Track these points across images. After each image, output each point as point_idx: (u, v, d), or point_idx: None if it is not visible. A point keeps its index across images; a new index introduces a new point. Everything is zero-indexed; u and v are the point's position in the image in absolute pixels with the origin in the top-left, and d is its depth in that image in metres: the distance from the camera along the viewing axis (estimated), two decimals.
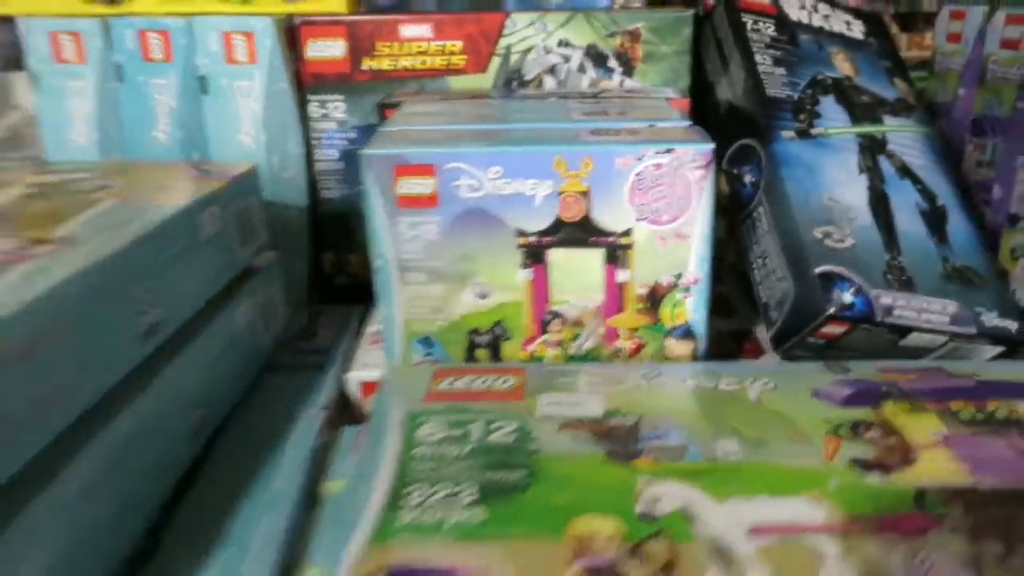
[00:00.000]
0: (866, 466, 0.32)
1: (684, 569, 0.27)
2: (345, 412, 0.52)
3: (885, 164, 0.53)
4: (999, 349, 0.49)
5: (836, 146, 0.52)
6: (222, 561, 0.36)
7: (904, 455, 0.32)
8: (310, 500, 0.42)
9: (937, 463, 0.32)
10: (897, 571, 0.26)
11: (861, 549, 0.27)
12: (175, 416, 0.40)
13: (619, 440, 0.34)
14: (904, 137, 0.55)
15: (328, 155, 0.62)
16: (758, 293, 0.51)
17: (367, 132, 0.61)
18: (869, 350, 0.48)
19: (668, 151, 0.39)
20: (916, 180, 0.53)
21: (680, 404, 0.37)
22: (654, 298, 0.42)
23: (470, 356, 0.43)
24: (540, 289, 0.42)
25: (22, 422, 0.30)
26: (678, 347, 0.43)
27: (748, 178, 0.53)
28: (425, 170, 0.40)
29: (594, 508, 0.30)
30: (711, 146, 0.39)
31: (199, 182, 0.47)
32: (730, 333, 0.55)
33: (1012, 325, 0.48)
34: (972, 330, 0.47)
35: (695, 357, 0.43)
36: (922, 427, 0.34)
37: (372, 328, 0.58)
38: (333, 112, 0.60)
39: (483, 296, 0.42)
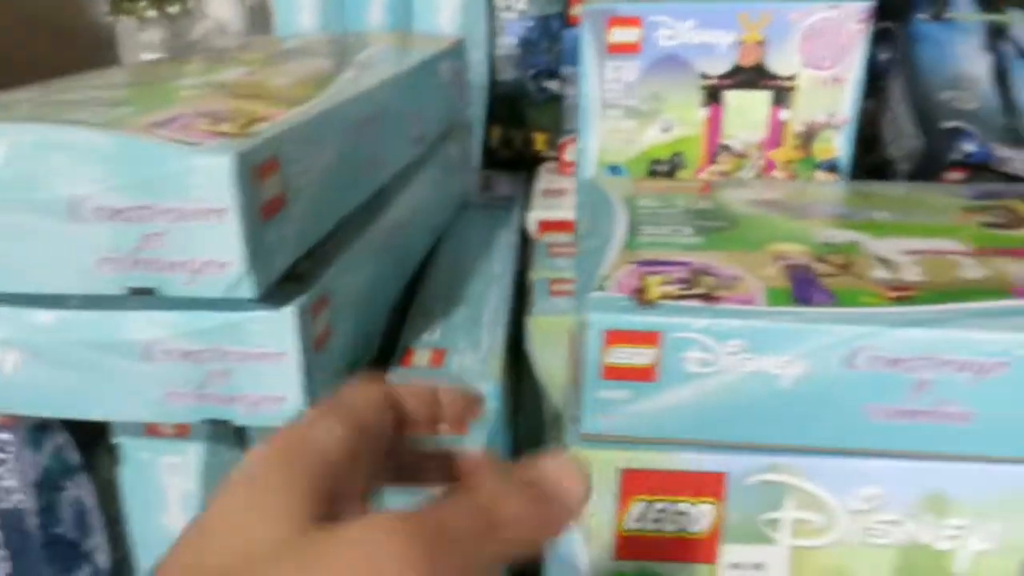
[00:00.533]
0: (992, 226, 0.41)
1: (858, 267, 0.36)
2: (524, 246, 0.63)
3: (1006, 47, 0.61)
4: None
5: (964, 28, 0.60)
6: (463, 320, 0.47)
7: (1021, 221, 0.41)
8: (523, 288, 0.53)
9: None
10: (1017, 270, 0.35)
11: (990, 262, 0.36)
12: (426, 203, 0.52)
13: (797, 210, 0.44)
14: None
15: (508, 42, 0.72)
16: (888, 153, 0.59)
17: (544, 22, 0.72)
18: None
19: (835, 7, 0.48)
20: None
21: (840, 195, 0.48)
22: (809, 135, 0.51)
23: None
24: (715, 125, 0.52)
25: (356, 174, 0.41)
26: (825, 179, 0.52)
27: (883, 56, 0.61)
28: (633, 21, 0.50)
29: (788, 239, 0.39)
30: (870, 1, 0.48)
31: (431, 43, 0.58)
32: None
33: None
34: None
35: None
36: None
37: (543, 185, 0.69)
38: (516, 4, 0.70)
39: (666, 130, 0.52)
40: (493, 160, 0.77)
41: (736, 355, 0.32)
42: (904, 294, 0.33)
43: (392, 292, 0.47)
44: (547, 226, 0.63)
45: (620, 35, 0.50)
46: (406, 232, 0.48)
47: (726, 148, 0.52)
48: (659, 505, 0.35)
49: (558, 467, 0.22)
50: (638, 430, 0.34)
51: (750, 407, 0.33)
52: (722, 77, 0.50)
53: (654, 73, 0.51)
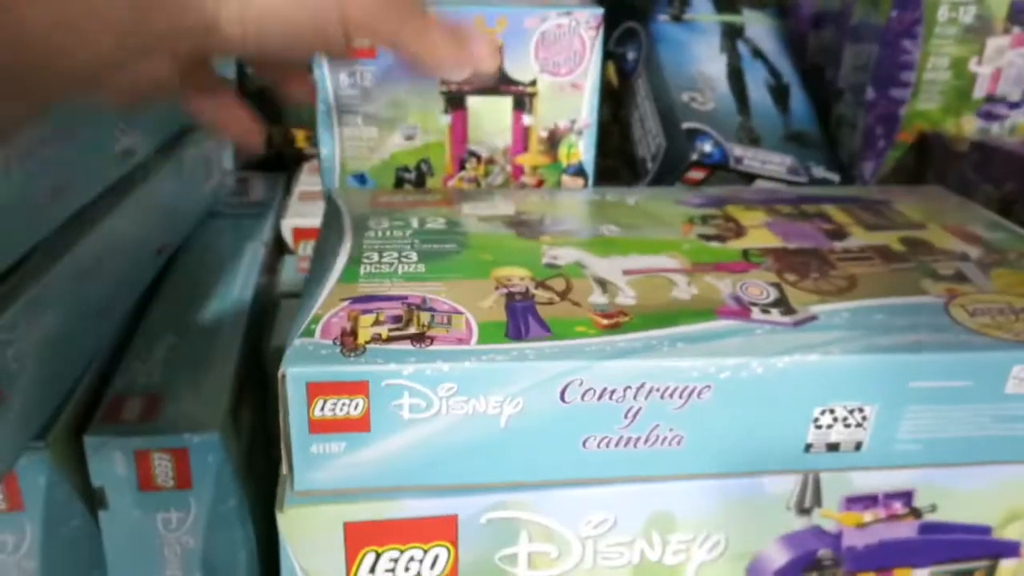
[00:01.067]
0: (709, 238, 0.42)
1: (576, 293, 0.36)
2: (279, 255, 0.59)
3: (742, 47, 0.63)
4: None
5: (703, 29, 0.62)
6: (188, 355, 0.43)
7: (738, 231, 0.43)
8: (268, 308, 0.49)
9: (761, 235, 0.43)
10: (724, 288, 0.37)
11: (699, 279, 0.38)
12: (144, 228, 0.47)
13: (527, 227, 0.43)
14: (758, 26, 0.65)
15: None
16: (636, 152, 0.60)
17: None
18: None
19: (568, 13, 0.48)
20: (766, 61, 0.64)
21: (574, 208, 0.47)
22: (553, 140, 0.51)
23: (398, 189, 0.51)
24: (459, 132, 0.50)
25: (34, 205, 0.36)
26: (571, 182, 0.52)
27: (631, 55, 0.62)
28: None
29: (512, 263, 0.38)
30: (601, 10, 0.48)
31: None
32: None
33: (835, 176, 0.60)
34: (804, 179, 0.59)
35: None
36: (753, 217, 0.46)
37: (300, 188, 0.65)
38: None
39: (410, 138, 0.50)
40: (251, 161, 0.72)
41: (450, 398, 0.31)
42: (615, 322, 0.33)
43: (101, 330, 0.42)
44: (304, 234, 0.59)
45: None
46: (116, 261, 0.43)
47: (473, 154, 0.51)
48: (390, 554, 0.33)
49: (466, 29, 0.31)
50: (359, 481, 0.32)
51: (471, 448, 0.32)
52: (463, 83, 0.49)
53: (392, 78, 0.48)
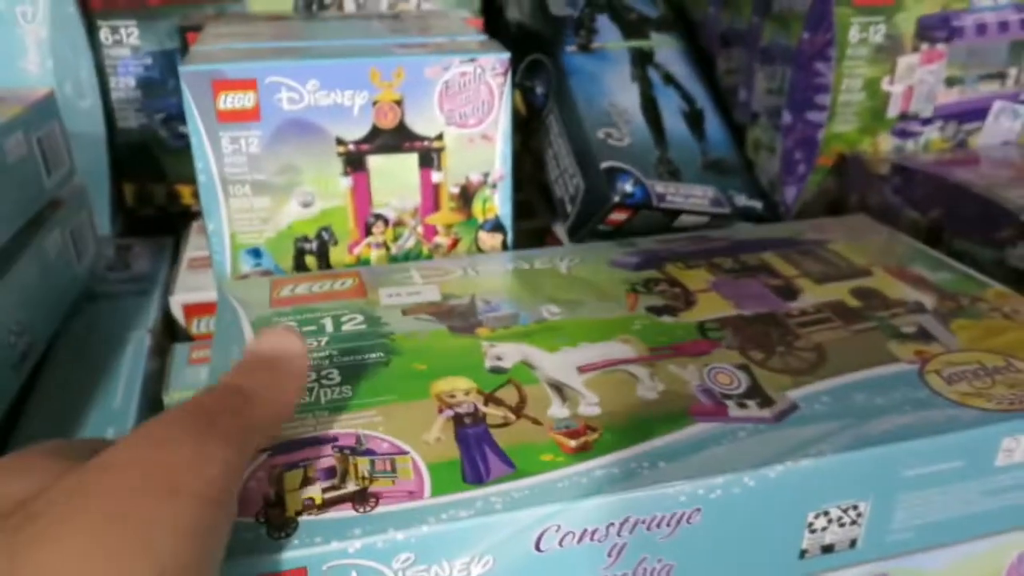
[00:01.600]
0: (659, 311, 0.39)
1: (532, 406, 0.32)
2: (170, 335, 0.53)
3: (653, 73, 0.61)
4: (750, 225, 0.59)
5: (613, 58, 0.59)
6: None
7: (687, 300, 0.40)
8: (149, 407, 0.44)
9: (712, 302, 0.40)
10: (691, 378, 0.34)
11: (662, 369, 0.34)
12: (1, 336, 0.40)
13: (459, 316, 0.38)
14: (667, 50, 0.63)
15: (124, 83, 0.60)
16: (553, 191, 0.57)
17: (165, 58, 0.61)
18: (648, 232, 0.56)
19: (472, 60, 0.44)
20: (678, 87, 0.61)
21: (504, 283, 0.42)
22: (466, 196, 0.47)
23: (299, 263, 0.46)
24: (362, 194, 0.45)
25: None
26: (489, 239, 0.48)
27: (540, 89, 0.58)
28: (246, 84, 0.42)
29: (450, 372, 0.34)
30: (507, 55, 0.44)
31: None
32: (532, 231, 0.62)
33: (758, 204, 0.58)
34: (727, 210, 0.56)
35: (505, 247, 0.48)
36: (697, 278, 0.43)
37: (190, 253, 0.59)
38: (127, 38, 0.59)
39: (307, 205, 0.45)
40: (136, 223, 0.65)
41: (408, 569, 0.26)
42: (584, 442, 0.30)
43: None
44: (197, 311, 0.54)
45: (232, 101, 0.42)
46: None
47: (379, 217, 0.46)
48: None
49: (274, 337, 0.27)
50: None
51: None
52: (360, 142, 0.44)
53: (281, 142, 0.43)
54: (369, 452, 0.29)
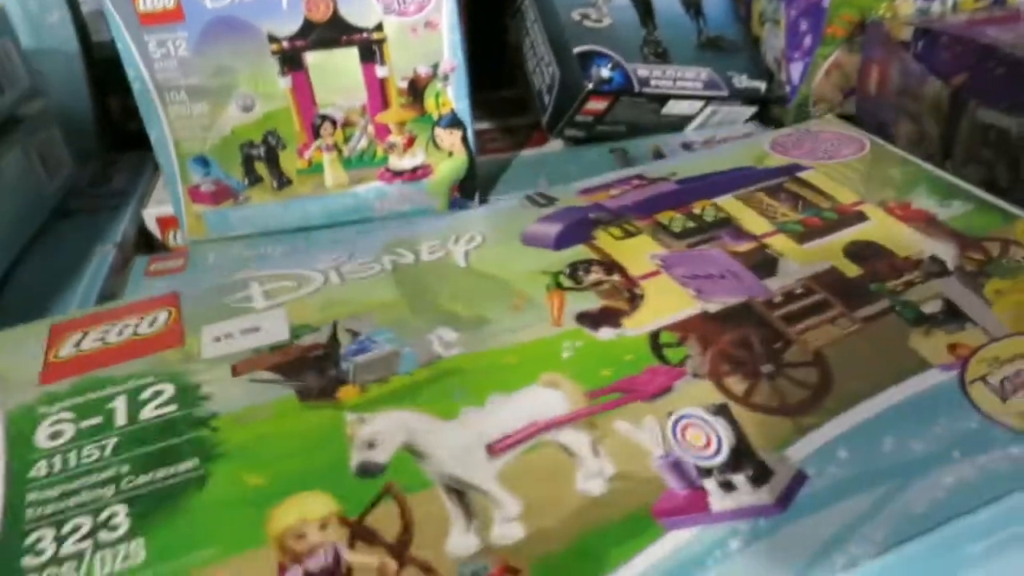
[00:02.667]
0: (595, 321, 0.29)
1: (423, 534, 0.22)
2: (148, 249, 0.52)
3: None
4: (753, 110, 0.54)
5: None
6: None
7: (630, 293, 0.31)
8: None
9: (663, 292, 0.30)
10: (649, 443, 0.24)
11: (608, 431, 0.24)
12: None
13: (314, 368, 0.28)
14: None
15: None
16: (532, 83, 0.53)
17: None
18: (636, 122, 0.52)
19: None
20: None
21: (381, 292, 0.31)
22: (415, 90, 0.43)
23: (249, 170, 0.44)
24: (304, 94, 0.43)
25: None
26: (447, 136, 0.45)
27: None
28: None
29: (301, 482, 0.23)
30: None
31: None
32: (523, 127, 0.58)
33: (761, 85, 0.53)
34: (724, 92, 0.51)
35: (465, 142, 0.45)
36: (639, 252, 0.33)
37: None
38: None
39: (248, 108, 0.43)
40: (124, 137, 0.64)
41: None
42: None
43: None
44: (172, 223, 0.53)
45: (151, 2, 0.40)
46: None
47: (326, 118, 0.44)
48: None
49: None
50: None
51: None
52: (294, 38, 0.41)
53: (211, 42, 0.41)
54: None
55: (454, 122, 0.45)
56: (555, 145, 0.54)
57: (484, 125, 0.59)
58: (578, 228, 0.34)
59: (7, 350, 0.29)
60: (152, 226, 0.52)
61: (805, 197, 0.36)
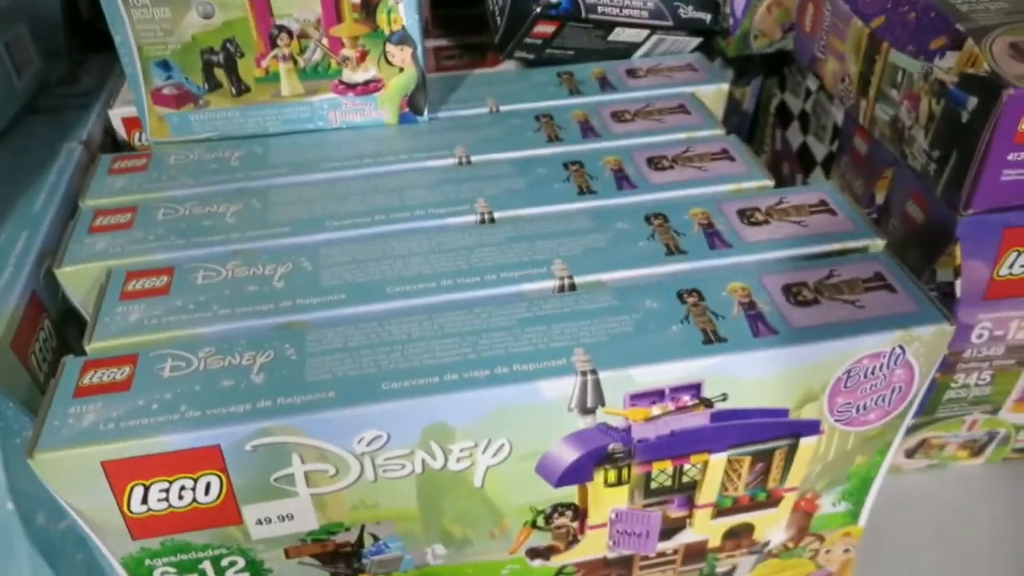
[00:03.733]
0: (536, 554, 0.38)
1: None
2: (115, 148, 0.55)
3: None
4: (699, 40, 0.56)
5: None
6: None
7: (572, 540, 0.38)
8: (69, 215, 0.46)
9: (590, 545, 0.39)
10: None
11: None
12: None
13: (344, 559, 0.37)
14: None
15: None
16: (487, 3, 0.55)
17: None
18: (583, 47, 0.54)
19: None
20: None
21: (402, 500, 0.35)
22: (368, 7, 0.46)
23: (209, 75, 0.47)
24: (261, 4, 0.45)
25: None
26: (398, 52, 0.47)
27: None
28: None
29: None
30: None
31: None
32: (480, 46, 0.60)
33: (706, 16, 0.55)
34: (669, 22, 0.54)
35: (415, 59, 0.48)
36: (610, 503, 0.37)
37: None
38: None
39: (207, 16, 0.45)
40: (93, 36, 0.66)
41: None
42: None
43: None
44: (137, 124, 0.55)
45: None
46: None
47: (282, 28, 0.46)
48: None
49: None
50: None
51: None
52: None
53: None
54: None
55: (404, 39, 0.47)
56: (508, 65, 0.57)
57: (442, 42, 0.61)
58: (584, 467, 0.35)
59: (75, 485, 0.32)
60: (118, 126, 0.54)
61: (769, 471, 0.37)
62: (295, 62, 0.47)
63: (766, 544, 0.41)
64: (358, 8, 0.46)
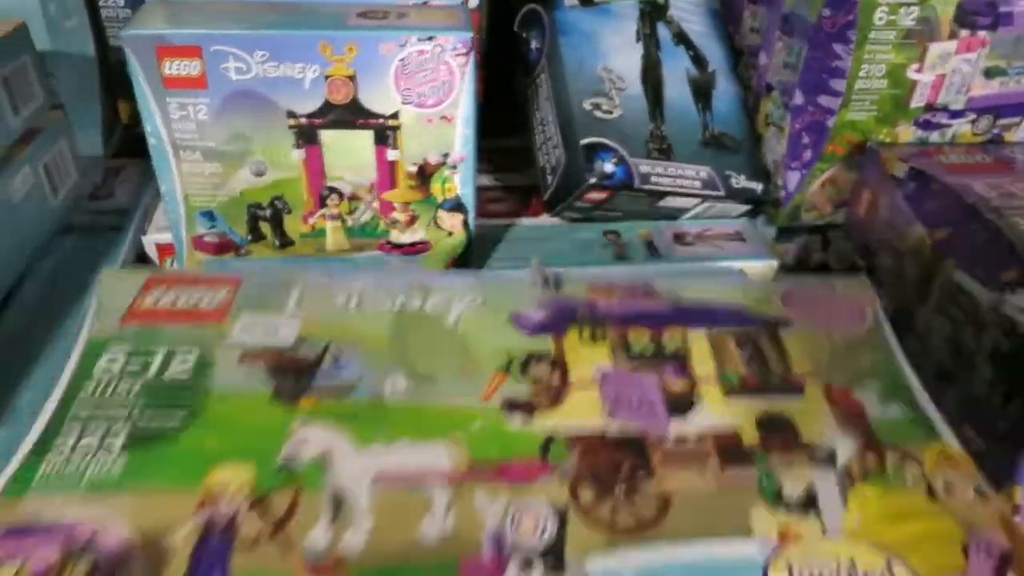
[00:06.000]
0: (514, 407, 0.34)
1: (297, 521, 0.29)
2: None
3: (663, 30, 0.56)
4: (749, 207, 0.56)
5: (617, 13, 0.54)
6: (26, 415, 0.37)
7: (556, 395, 0.35)
8: None
9: (582, 403, 0.34)
10: (492, 518, 0.29)
11: (466, 498, 0.30)
12: None
13: (294, 375, 0.35)
14: (685, 2, 0.57)
15: (113, 0, 0.59)
16: (537, 158, 0.54)
17: None
18: (633, 209, 0.53)
19: (430, 38, 0.40)
20: (690, 46, 0.56)
21: (376, 327, 0.37)
22: (424, 175, 0.45)
23: (254, 228, 0.46)
24: (315, 167, 0.44)
25: None
26: (449, 218, 0.46)
27: (534, 43, 0.55)
28: (191, 52, 0.40)
29: (241, 454, 0.31)
30: (470, 34, 0.41)
31: None
32: (524, 188, 0.59)
33: (758, 187, 0.54)
34: (721, 192, 0.53)
35: (466, 225, 0.47)
36: (590, 360, 0.36)
37: None
38: None
39: (260, 174, 0.44)
40: (132, 140, 0.64)
41: None
42: None
43: None
44: (170, 251, 0.54)
45: (177, 68, 0.40)
46: None
47: (333, 190, 0.45)
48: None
49: None
50: None
51: None
52: (312, 116, 0.42)
53: (231, 111, 0.42)
54: (94, 553, 0.28)
55: (457, 206, 0.46)
56: (553, 219, 0.56)
57: (487, 180, 0.60)
58: (557, 321, 0.37)
59: (112, 286, 0.39)
60: (151, 251, 0.53)
61: (764, 354, 0.37)
62: (343, 221, 0.46)
63: (831, 455, 0.33)
64: (414, 176, 0.45)
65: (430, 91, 0.42)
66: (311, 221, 0.46)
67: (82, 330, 0.37)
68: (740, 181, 0.54)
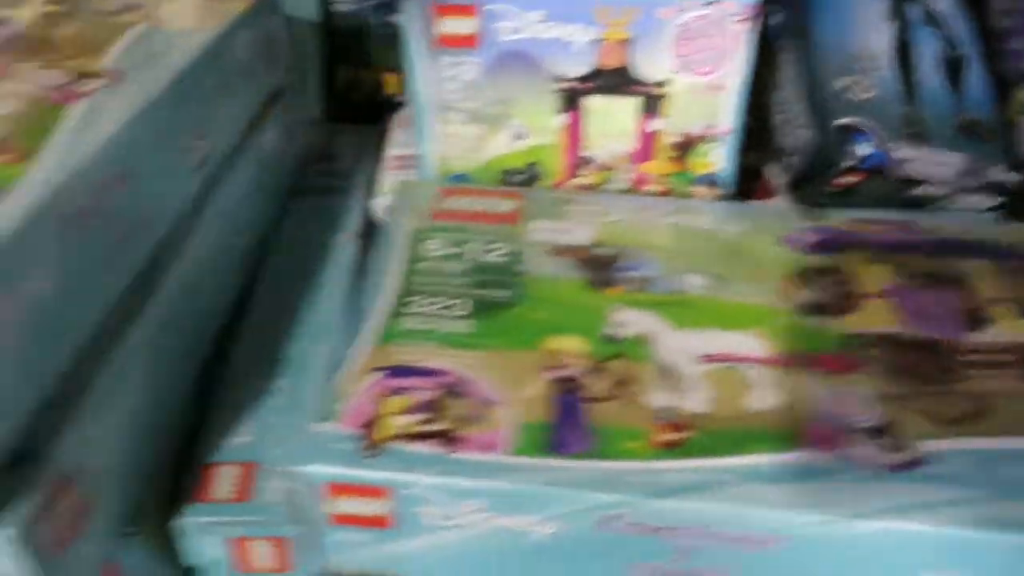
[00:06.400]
0: (811, 309, 0.36)
1: (636, 385, 0.31)
2: (373, 235, 0.54)
3: (912, 10, 0.53)
4: (998, 201, 0.52)
5: None
6: (282, 403, 0.37)
7: (849, 302, 0.36)
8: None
9: (877, 311, 0.36)
10: (817, 397, 0.31)
11: (787, 380, 0.32)
12: (226, 243, 0.42)
13: (599, 268, 0.38)
14: None
15: None
16: (776, 137, 0.52)
17: None
18: (877, 196, 0.51)
19: (710, 3, 0.39)
20: (940, 27, 0.53)
21: (660, 239, 0.40)
22: (685, 147, 0.43)
23: None
24: (574, 134, 0.43)
25: (97, 269, 0.31)
26: (703, 194, 0.45)
27: (775, 17, 0.52)
28: (466, 10, 0.40)
29: (568, 328, 0.34)
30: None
31: (223, 3, 0.45)
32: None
33: (1012, 178, 0.51)
34: (975, 183, 0.50)
35: None
36: (875, 277, 0.38)
37: (394, 151, 0.59)
38: None
39: (519, 138, 0.43)
40: (346, 107, 0.65)
41: (476, 513, 0.29)
42: (675, 439, 0.29)
43: (186, 381, 0.38)
44: None
45: (452, 26, 0.40)
46: (199, 299, 0.38)
47: (589, 160, 0.44)
48: None
49: None
50: (383, 565, 0.31)
51: (499, 559, 0.30)
52: (580, 80, 0.41)
53: (499, 72, 0.41)
54: (469, 394, 0.31)
55: (712, 182, 0.45)
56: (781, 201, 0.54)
57: None
58: (836, 243, 0.40)
59: (413, 192, 0.44)
60: (380, 215, 0.53)
61: None
62: (594, 192, 0.45)
63: None
64: (675, 148, 0.43)
65: (705, 58, 0.41)
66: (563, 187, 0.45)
67: (398, 221, 0.41)
68: (997, 173, 0.50)
